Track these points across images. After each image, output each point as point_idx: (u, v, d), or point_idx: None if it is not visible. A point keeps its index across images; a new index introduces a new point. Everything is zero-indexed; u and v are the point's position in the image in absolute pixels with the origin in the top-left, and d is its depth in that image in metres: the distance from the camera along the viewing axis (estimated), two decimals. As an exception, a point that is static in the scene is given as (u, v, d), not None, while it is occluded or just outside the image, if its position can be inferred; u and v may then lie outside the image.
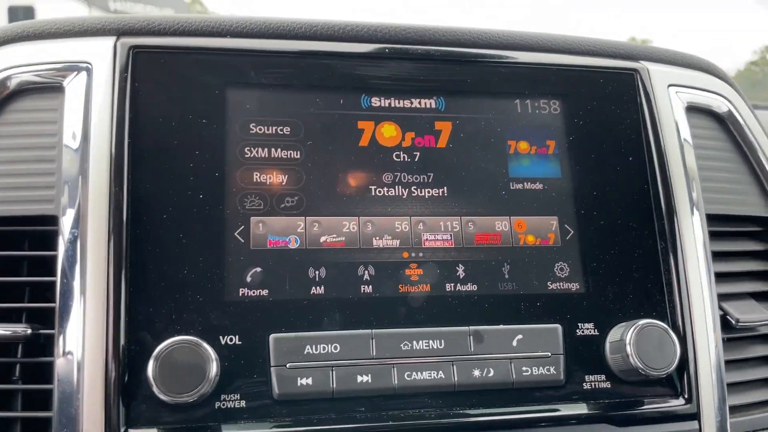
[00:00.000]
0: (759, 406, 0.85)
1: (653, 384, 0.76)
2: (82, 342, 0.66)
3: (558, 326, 0.76)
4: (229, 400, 0.67)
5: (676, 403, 0.76)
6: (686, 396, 0.76)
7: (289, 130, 0.77)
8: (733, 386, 0.84)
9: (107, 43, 0.75)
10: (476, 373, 0.72)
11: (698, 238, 0.82)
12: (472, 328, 0.74)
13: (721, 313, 0.84)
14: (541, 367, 0.74)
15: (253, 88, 0.77)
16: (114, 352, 0.66)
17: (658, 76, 0.88)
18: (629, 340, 0.73)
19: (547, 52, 0.86)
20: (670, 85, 0.88)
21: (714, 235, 0.88)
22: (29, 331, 0.68)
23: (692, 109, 0.89)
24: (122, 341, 0.66)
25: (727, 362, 0.83)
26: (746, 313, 0.84)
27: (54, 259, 0.69)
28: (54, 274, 0.68)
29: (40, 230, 0.72)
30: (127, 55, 0.74)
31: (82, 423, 0.64)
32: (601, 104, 0.85)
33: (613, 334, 0.76)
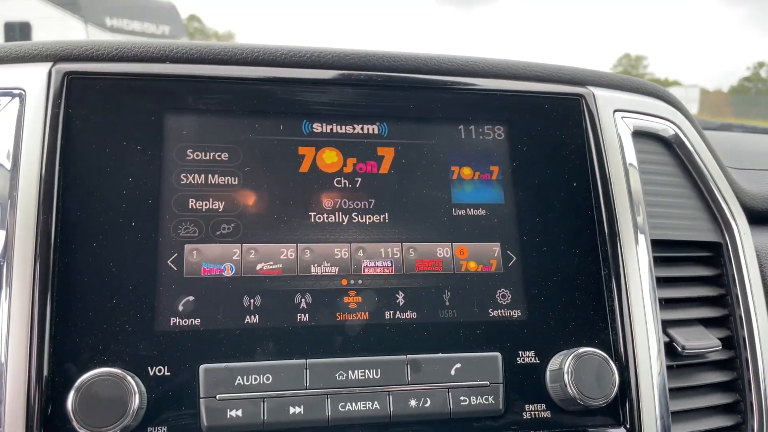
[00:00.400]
0: (707, 434, 0.84)
1: (594, 413, 0.75)
2: (5, 371, 0.64)
3: (498, 354, 0.75)
4: (155, 433, 0.66)
5: None
6: (627, 425, 0.75)
7: (227, 156, 0.76)
8: (680, 414, 0.83)
9: (42, 69, 0.74)
10: (412, 403, 0.71)
11: (643, 263, 0.81)
12: (409, 356, 0.73)
13: (668, 339, 0.83)
14: (479, 397, 0.73)
15: (191, 113, 0.76)
16: (37, 383, 0.64)
17: (603, 101, 0.87)
18: (567, 368, 0.72)
19: (492, 78, 0.86)
20: (615, 111, 0.88)
21: (662, 261, 0.88)
22: None
23: (639, 134, 0.89)
24: (45, 372, 0.65)
25: (675, 390, 0.83)
26: (693, 340, 0.84)
27: None
28: None
29: None
30: (61, 81, 0.73)
31: None
32: (545, 130, 0.84)
33: (553, 363, 0.75)
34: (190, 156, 0.75)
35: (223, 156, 0.76)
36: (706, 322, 0.89)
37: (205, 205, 0.74)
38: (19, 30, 16.04)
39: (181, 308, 0.70)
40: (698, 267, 0.91)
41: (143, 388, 0.66)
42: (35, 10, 15.83)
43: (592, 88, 0.89)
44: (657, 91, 0.94)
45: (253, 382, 0.69)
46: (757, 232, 0.97)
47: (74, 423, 0.62)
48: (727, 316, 0.90)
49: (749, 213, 0.97)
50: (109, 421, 0.62)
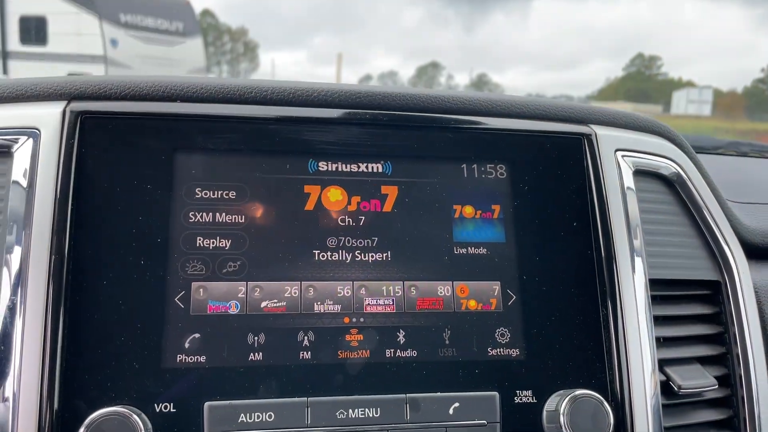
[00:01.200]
0: (704, 471, 0.86)
1: (590, 453, 0.76)
2: (16, 409, 0.67)
3: (496, 394, 0.76)
4: (161, 469, 0.68)
5: None
6: (622, 466, 0.77)
7: (234, 194, 0.78)
8: (677, 452, 0.84)
9: (56, 109, 0.76)
10: (411, 441, 0.73)
11: (640, 303, 0.83)
12: (409, 395, 0.75)
13: (665, 378, 0.84)
14: (477, 436, 0.74)
15: (200, 152, 0.78)
16: (48, 420, 0.67)
17: (605, 140, 0.89)
18: (563, 410, 0.74)
19: (494, 117, 0.87)
20: (617, 150, 0.89)
21: (661, 300, 0.89)
22: None
23: (640, 173, 0.90)
24: (56, 407, 0.67)
25: (671, 428, 0.84)
26: (689, 379, 0.85)
27: None
28: None
29: None
30: (75, 120, 0.76)
31: None
32: (547, 169, 0.86)
33: (550, 403, 0.76)
34: (198, 194, 0.77)
35: (230, 194, 0.78)
36: (703, 360, 0.90)
37: (213, 243, 0.76)
38: (34, 24, 16.20)
39: (187, 345, 0.72)
40: (696, 305, 0.92)
41: (150, 425, 0.68)
42: (50, 5, 15.97)
43: (594, 127, 0.90)
44: (660, 129, 0.95)
45: (256, 420, 0.71)
46: (757, 268, 0.98)
47: None
48: (724, 354, 0.91)
49: (749, 248, 0.98)
50: (116, 458, 0.64)
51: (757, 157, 1.75)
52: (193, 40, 19.24)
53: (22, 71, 15.98)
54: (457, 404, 0.75)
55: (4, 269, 0.71)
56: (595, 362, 0.80)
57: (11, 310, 0.69)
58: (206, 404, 0.70)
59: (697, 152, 0.98)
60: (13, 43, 16.01)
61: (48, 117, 0.76)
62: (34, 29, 15.97)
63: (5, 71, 15.70)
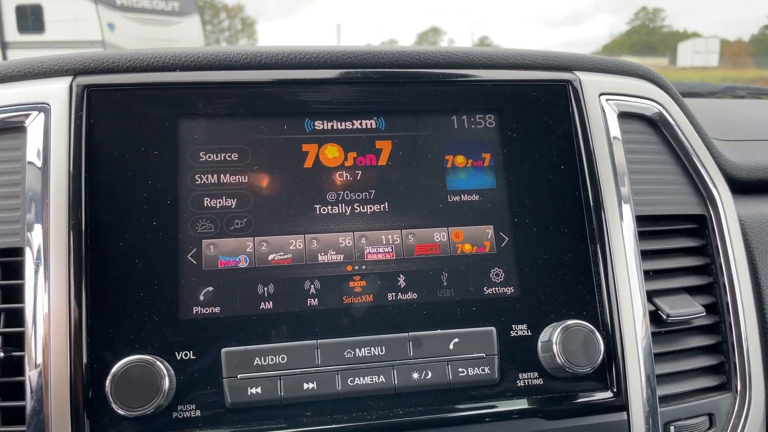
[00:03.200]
0: (693, 394, 0.91)
1: (583, 379, 0.81)
2: (49, 362, 0.72)
3: (493, 329, 0.81)
4: (185, 410, 0.74)
5: (605, 396, 0.81)
6: (614, 389, 0.82)
7: (236, 156, 0.83)
8: (668, 377, 0.89)
9: (64, 84, 0.81)
10: (415, 375, 0.78)
11: (627, 238, 0.87)
12: (411, 334, 0.80)
13: (654, 308, 0.89)
14: (476, 368, 0.79)
15: (202, 118, 0.83)
16: (77, 371, 0.72)
17: (589, 85, 0.92)
18: (555, 339, 0.79)
19: (482, 68, 0.91)
20: (601, 94, 0.92)
21: (649, 234, 0.93)
22: (1, 354, 0.75)
23: (624, 115, 0.94)
24: (84, 360, 0.73)
25: (662, 354, 0.89)
26: (678, 308, 0.90)
27: (21, 287, 0.75)
28: (22, 301, 0.75)
29: (8, 261, 0.78)
30: (81, 94, 0.80)
31: None
32: (534, 116, 0.90)
33: (544, 335, 0.81)
34: (203, 158, 0.82)
35: (233, 156, 0.83)
36: (692, 290, 0.94)
37: (219, 202, 0.81)
38: (31, 13, 16.16)
39: (202, 298, 0.78)
40: (684, 239, 0.96)
41: (172, 371, 0.73)
42: (46, -7, 15.88)
43: (578, 73, 0.93)
44: (642, 71, 0.98)
45: (270, 362, 0.76)
46: (742, 202, 1.02)
47: (113, 405, 0.70)
48: (711, 283, 0.96)
49: (734, 184, 1.02)
50: (144, 401, 0.70)
51: (752, 98, 1.77)
52: (191, 19, 19.13)
53: (21, 61, 15.97)
54: (456, 340, 0.80)
55: (28, 236, 0.76)
56: (585, 296, 0.84)
57: (36, 272, 0.75)
58: (223, 350, 0.76)
59: (692, 97, 1.01)
60: (12, 33, 15.98)
61: (56, 92, 0.80)
62: (31, 18, 15.92)
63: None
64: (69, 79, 0.82)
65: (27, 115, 0.80)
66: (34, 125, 0.79)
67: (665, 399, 0.87)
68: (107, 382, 0.70)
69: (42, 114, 0.80)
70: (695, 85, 2.16)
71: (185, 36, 18.63)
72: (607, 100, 0.93)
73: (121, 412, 0.70)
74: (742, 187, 1.04)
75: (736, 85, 2.11)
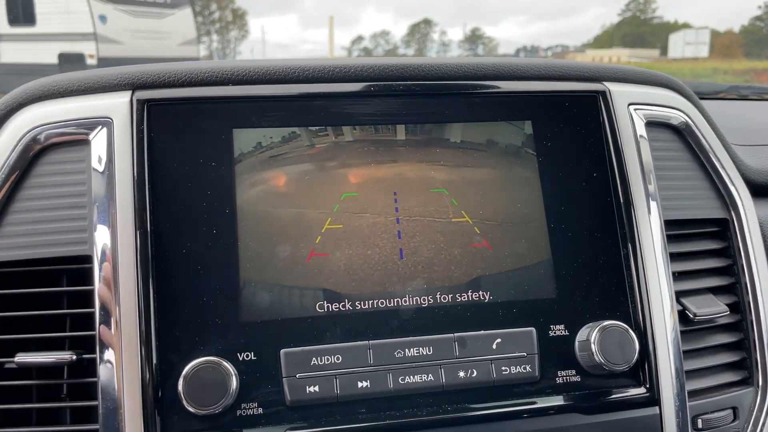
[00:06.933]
0: (719, 388, 0.96)
1: (618, 376, 0.86)
2: (120, 364, 0.77)
3: (533, 329, 0.86)
4: (248, 409, 0.78)
5: (638, 392, 0.87)
6: (647, 385, 0.87)
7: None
8: (694, 372, 0.94)
9: (124, 99, 0.85)
10: (461, 374, 0.83)
11: (657, 242, 0.92)
12: (456, 335, 0.84)
13: (681, 308, 0.94)
14: (518, 366, 0.84)
15: (255, 129, 0.87)
16: (148, 372, 0.77)
17: (618, 96, 0.97)
18: (593, 339, 0.84)
19: (517, 80, 0.95)
20: (630, 104, 0.97)
21: (675, 238, 0.98)
22: (74, 357, 0.79)
23: (652, 124, 0.99)
24: (154, 362, 0.77)
25: (689, 352, 0.94)
26: (703, 307, 0.95)
27: (91, 293, 0.80)
28: (92, 306, 0.79)
29: (76, 268, 0.82)
30: (142, 108, 0.84)
31: None
32: (567, 125, 0.94)
33: (581, 334, 0.86)
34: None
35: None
36: (715, 290, 1.00)
37: None
38: (21, 4, 16.04)
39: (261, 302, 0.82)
40: (707, 241, 1.01)
41: (235, 371, 0.78)
42: (36, -16, 15.76)
43: (608, 84, 0.98)
44: (668, 82, 1.03)
45: (326, 362, 0.81)
46: (761, 204, 1.07)
47: (185, 404, 0.74)
48: (733, 283, 1.01)
49: (753, 187, 1.07)
50: (213, 401, 0.75)
51: (757, 99, 1.82)
52: (182, 11, 19.00)
53: (12, 53, 15.90)
54: (499, 340, 0.85)
55: (95, 244, 0.80)
56: (619, 297, 0.89)
57: (105, 279, 0.79)
58: (282, 351, 0.80)
59: (699, 98, 1.06)
60: (2, 25, 15.86)
61: (118, 106, 0.84)
62: (22, 10, 15.81)
63: (-3, 53, 15.61)
64: (128, 93, 0.85)
65: (91, 129, 0.84)
66: (98, 138, 0.83)
67: (693, 393, 0.93)
68: (180, 382, 0.75)
69: (105, 128, 0.83)
70: (700, 84, 2.21)
71: (178, 28, 18.53)
72: (635, 109, 0.97)
73: (192, 410, 0.74)
74: (761, 190, 1.09)
75: (739, 85, 2.17)
